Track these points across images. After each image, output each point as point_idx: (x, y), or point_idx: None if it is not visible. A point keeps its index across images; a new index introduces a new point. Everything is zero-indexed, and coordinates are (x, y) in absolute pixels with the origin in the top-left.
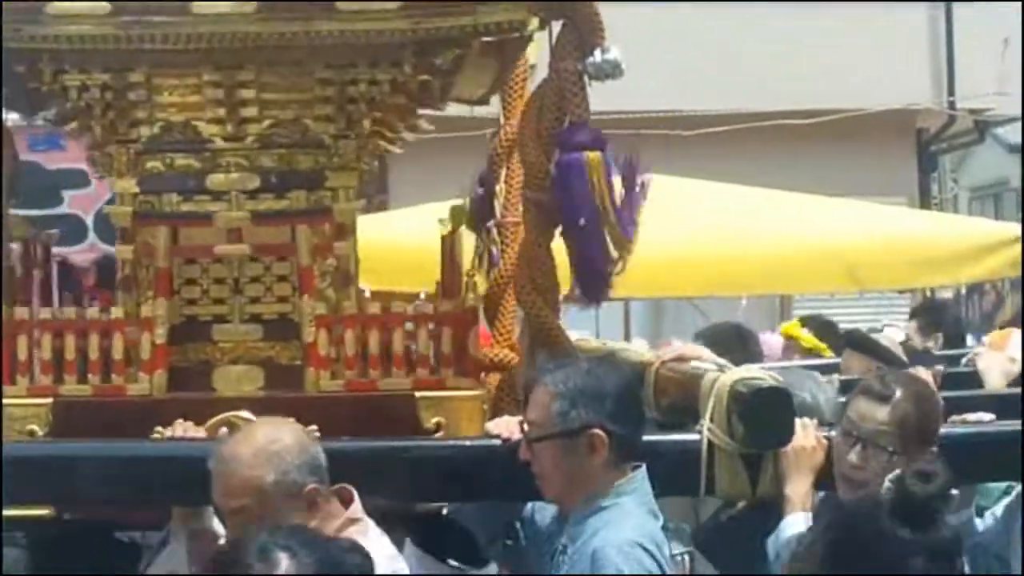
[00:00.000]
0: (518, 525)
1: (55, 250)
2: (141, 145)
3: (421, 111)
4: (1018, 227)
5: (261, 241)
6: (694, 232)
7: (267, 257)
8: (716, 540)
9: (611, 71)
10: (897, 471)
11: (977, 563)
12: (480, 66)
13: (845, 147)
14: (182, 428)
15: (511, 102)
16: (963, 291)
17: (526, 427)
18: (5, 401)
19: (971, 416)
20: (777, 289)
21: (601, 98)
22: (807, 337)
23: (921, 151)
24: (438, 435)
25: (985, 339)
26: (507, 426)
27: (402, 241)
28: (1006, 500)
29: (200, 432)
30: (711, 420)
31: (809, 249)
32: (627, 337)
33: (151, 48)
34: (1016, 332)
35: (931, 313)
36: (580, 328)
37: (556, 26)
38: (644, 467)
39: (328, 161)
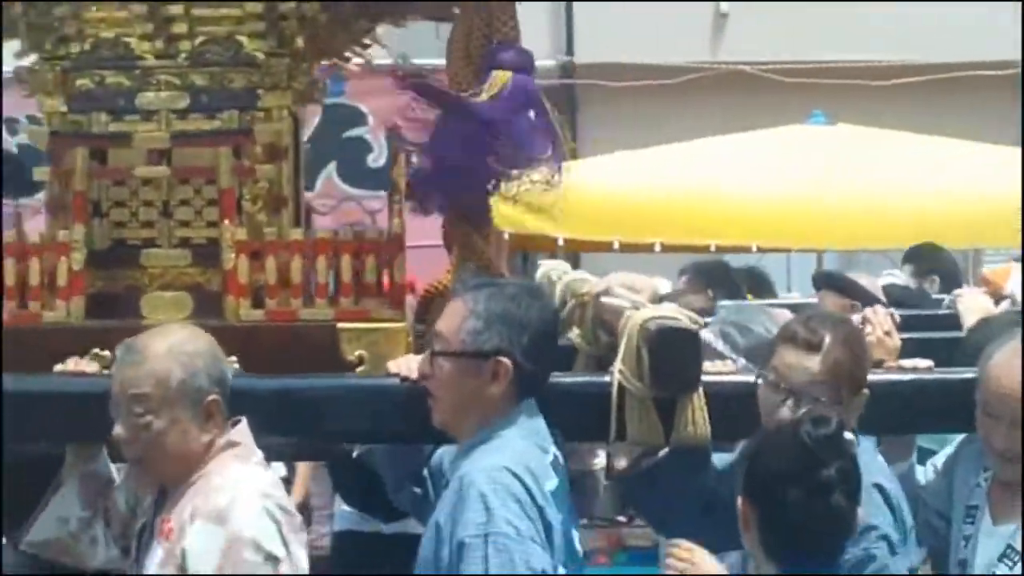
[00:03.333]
0: (426, 474)
1: None
2: (69, 63)
3: (378, 28)
4: None
5: (187, 163)
6: (888, 182)
7: (197, 180)
8: (637, 488)
9: None
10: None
11: (919, 518)
12: None
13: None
14: (74, 363)
15: None
16: None
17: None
18: None
19: (907, 362)
20: (971, 241)
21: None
22: None
23: None
24: (360, 369)
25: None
26: (407, 365)
27: (591, 189)
28: (947, 449)
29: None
30: (623, 361)
31: (1003, 201)
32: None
33: None
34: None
35: (925, 258)
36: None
37: None
38: (533, 400)
39: (260, 80)
